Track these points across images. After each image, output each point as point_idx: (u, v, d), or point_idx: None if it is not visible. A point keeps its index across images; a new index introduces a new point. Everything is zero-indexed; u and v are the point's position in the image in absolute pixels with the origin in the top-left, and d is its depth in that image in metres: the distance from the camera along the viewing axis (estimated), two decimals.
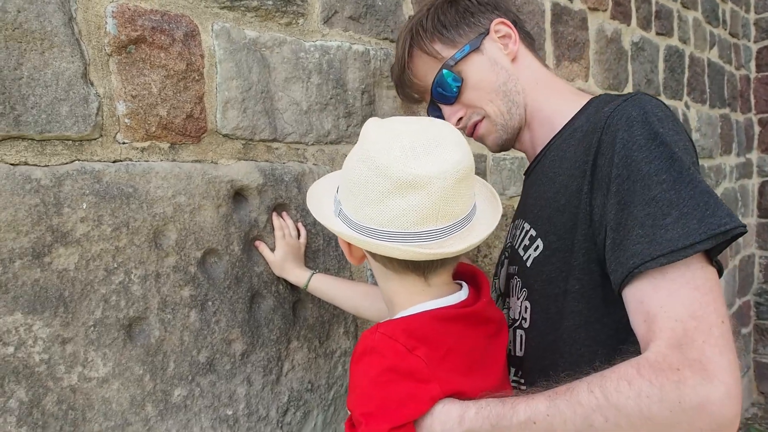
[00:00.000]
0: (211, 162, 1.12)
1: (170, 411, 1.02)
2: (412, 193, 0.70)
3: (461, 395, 0.74)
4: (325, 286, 1.18)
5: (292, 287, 1.23)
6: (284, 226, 1.19)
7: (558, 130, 1.01)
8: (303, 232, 1.23)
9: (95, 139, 0.98)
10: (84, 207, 0.94)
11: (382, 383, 0.70)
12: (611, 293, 0.83)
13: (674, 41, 3.12)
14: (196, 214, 1.07)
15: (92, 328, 0.94)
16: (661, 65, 2.99)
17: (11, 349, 0.85)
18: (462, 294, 0.80)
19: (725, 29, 3.88)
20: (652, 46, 2.88)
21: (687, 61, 3.27)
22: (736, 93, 4.04)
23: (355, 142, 1.40)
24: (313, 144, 1.30)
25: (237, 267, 1.13)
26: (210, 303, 1.08)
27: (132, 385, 0.97)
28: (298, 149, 1.28)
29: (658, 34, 2.93)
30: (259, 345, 1.16)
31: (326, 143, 1.33)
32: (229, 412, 1.10)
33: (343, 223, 0.76)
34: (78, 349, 0.92)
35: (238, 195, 1.15)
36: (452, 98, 1.10)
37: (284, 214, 1.21)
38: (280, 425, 1.18)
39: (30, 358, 0.87)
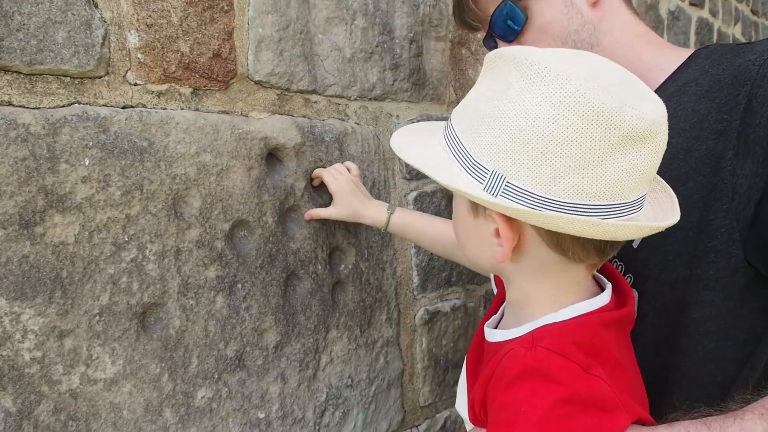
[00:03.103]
0: (241, 114, 0.92)
1: (193, 416, 0.83)
2: (638, 147, 0.51)
3: (642, 423, 0.56)
4: (411, 223, 1.02)
5: (331, 267, 1.04)
6: (329, 169, 1.01)
7: (655, 87, 0.84)
8: (353, 166, 1.04)
9: (100, 78, 0.77)
10: (86, 163, 0.73)
11: (559, 419, 0.50)
12: (751, 281, 0.67)
13: (705, 13, 2.94)
14: (224, 177, 0.87)
15: (97, 318, 0.74)
16: (692, 38, 2.81)
17: None
18: (609, 291, 0.62)
19: (747, 5, 3.72)
20: (686, 17, 2.70)
21: (715, 35, 3.10)
22: None
23: (403, 99, 1.21)
24: (356, 99, 1.10)
25: (270, 242, 0.93)
26: (239, 286, 0.89)
27: (147, 386, 0.78)
28: (339, 104, 1.07)
29: (691, 4, 2.75)
30: (294, 335, 0.97)
31: (370, 99, 1.13)
32: (261, 415, 0.92)
33: (514, 202, 0.51)
34: (80, 343, 0.72)
35: (272, 156, 0.95)
36: (511, 37, 0.92)
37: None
38: (317, 428, 1.00)
39: (18, 357, 0.67)
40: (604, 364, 0.54)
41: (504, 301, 0.72)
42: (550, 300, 0.58)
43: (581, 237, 0.53)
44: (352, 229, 1.07)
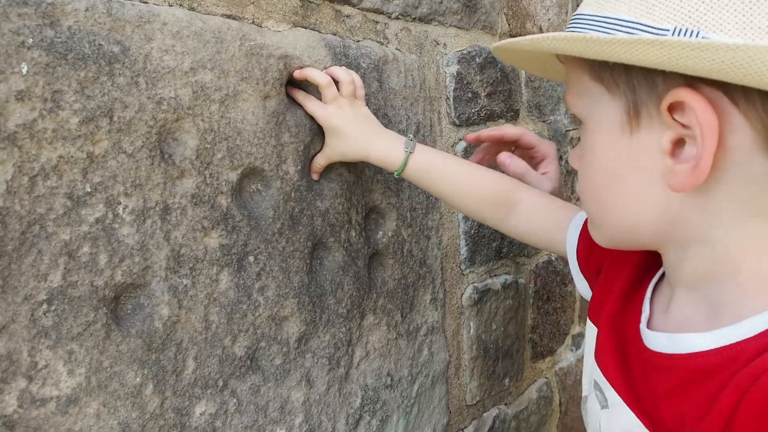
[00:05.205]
0: (253, 23, 0.66)
1: None
2: None
3: None
4: (434, 166, 0.70)
5: (367, 234, 0.80)
6: (335, 78, 0.69)
7: None
8: (346, 77, 0.69)
9: None
10: (24, 71, 0.48)
11: None
12: None
13: None
14: (231, 107, 0.62)
15: (44, 307, 0.50)
16: None
17: None
18: None
19: None
20: None
21: None
22: None
23: (452, 24, 0.94)
24: (397, 17, 0.84)
25: (293, 200, 0.69)
26: (251, 258, 0.65)
27: (123, 404, 0.55)
28: (377, 22, 0.82)
29: None
30: (322, 324, 0.73)
31: (414, 19, 0.87)
32: None
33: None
34: (17, 346, 0.48)
35: (293, 83, 0.70)
36: None
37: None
38: None
39: None
40: None
41: (614, 289, 0.53)
42: None
43: None
44: (393, 185, 0.83)
